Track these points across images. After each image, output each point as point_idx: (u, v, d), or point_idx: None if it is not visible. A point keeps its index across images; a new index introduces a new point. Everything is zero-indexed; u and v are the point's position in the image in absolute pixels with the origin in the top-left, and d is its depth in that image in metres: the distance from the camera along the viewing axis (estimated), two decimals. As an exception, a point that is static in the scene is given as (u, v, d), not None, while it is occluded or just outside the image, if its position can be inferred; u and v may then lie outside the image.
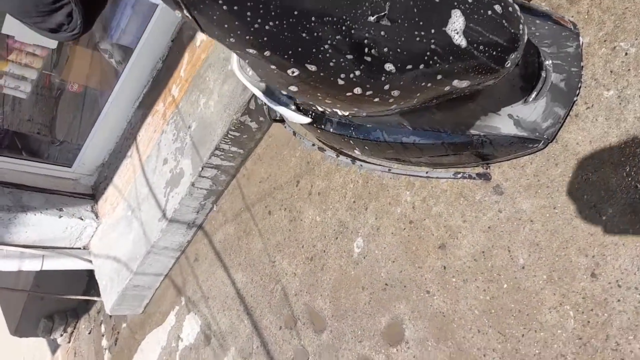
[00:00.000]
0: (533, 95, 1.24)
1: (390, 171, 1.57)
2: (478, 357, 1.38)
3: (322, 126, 1.46)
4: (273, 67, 0.81)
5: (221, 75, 2.18)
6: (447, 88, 0.93)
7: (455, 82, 0.91)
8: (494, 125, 1.26)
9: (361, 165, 1.63)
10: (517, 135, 1.27)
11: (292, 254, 1.98)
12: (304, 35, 0.76)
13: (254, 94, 2.04)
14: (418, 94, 0.93)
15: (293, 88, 0.88)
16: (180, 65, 2.45)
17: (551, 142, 1.31)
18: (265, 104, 1.81)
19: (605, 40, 1.29)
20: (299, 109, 1.53)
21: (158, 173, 2.46)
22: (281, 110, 1.47)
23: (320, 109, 1.33)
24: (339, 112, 1.25)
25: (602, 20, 1.29)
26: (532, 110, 1.25)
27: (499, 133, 1.27)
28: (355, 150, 1.50)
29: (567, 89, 1.27)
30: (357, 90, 0.86)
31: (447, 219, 1.51)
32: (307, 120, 1.47)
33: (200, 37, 2.37)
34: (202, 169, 2.18)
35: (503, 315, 1.35)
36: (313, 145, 1.81)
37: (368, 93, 0.87)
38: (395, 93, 0.88)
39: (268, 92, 1.54)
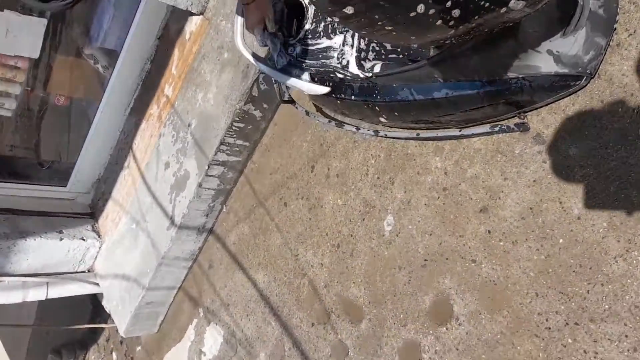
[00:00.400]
0: (572, 26, 1.13)
1: (419, 136, 1.45)
2: (540, 322, 1.26)
3: (342, 95, 1.35)
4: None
5: (217, 65, 2.06)
6: (503, 10, 0.82)
7: (512, 3, 0.80)
8: (534, 65, 1.15)
9: (385, 135, 1.51)
10: (558, 73, 1.16)
11: (316, 243, 1.86)
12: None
13: (255, 80, 1.92)
14: (476, 17, 0.82)
15: (349, 10, 0.77)
16: (171, 63, 2.33)
17: (593, 77, 1.21)
18: (276, 82, 1.69)
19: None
20: (313, 80, 1.41)
21: (160, 179, 2.32)
22: (296, 83, 1.36)
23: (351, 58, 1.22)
24: (386, 47, 1.18)
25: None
26: (572, 43, 1.14)
27: (539, 73, 1.16)
28: (381, 118, 1.39)
29: (606, 16, 1.16)
30: (421, 8, 0.75)
31: (486, 180, 1.40)
32: (325, 89, 1.35)
33: (190, 28, 2.25)
34: (209, 167, 2.05)
35: (563, 273, 1.24)
36: (330, 121, 1.68)
37: (431, 11, 0.76)
38: (456, 13, 0.77)
39: (279, 67, 1.43)
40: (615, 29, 1.19)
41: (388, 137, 1.53)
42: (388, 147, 1.65)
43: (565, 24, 1.14)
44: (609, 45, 1.18)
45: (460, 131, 1.37)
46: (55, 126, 2.79)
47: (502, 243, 1.35)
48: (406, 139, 1.51)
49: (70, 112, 2.75)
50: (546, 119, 1.29)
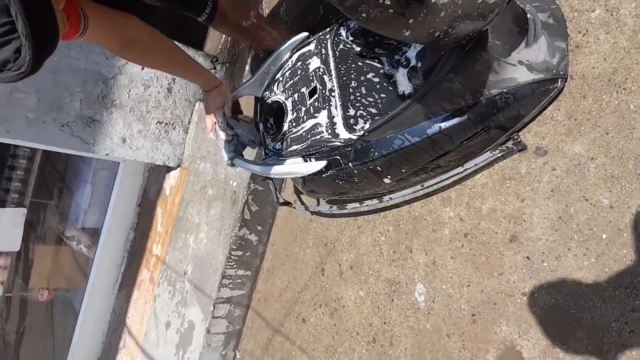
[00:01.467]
0: (532, 36, 1.23)
1: (425, 187, 1.43)
2: (621, 329, 1.13)
3: (342, 165, 1.36)
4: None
5: (204, 204, 2.06)
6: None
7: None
8: (511, 77, 1.21)
9: (390, 198, 1.49)
10: (535, 80, 1.23)
11: (349, 348, 1.68)
12: None
13: (245, 202, 1.91)
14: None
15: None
16: (155, 222, 2.31)
17: (566, 78, 1.28)
18: (271, 180, 1.69)
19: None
20: (305, 161, 1.42)
21: (163, 343, 2.13)
22: (290, 169, 1.37)
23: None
24: (371, 110, 1.27)
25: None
26: (537, 51, 1.23)
27: (518, 84, 1.22)
28: (385, 179, 1.38)
29: (557, 23, 1.27)
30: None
31: (504, 209, 1.36)
32: (322, 163, 1.36)
33: (169, 184, 2.28)
34: (214, 307, 1.91)
35: (620, 268, 1.15)
36: (331, 207, 1.66)
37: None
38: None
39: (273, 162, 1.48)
40: (569, 35, 1.29)
41: (393, 200, 1.50)
42: (394, 218, 1.61)
43: (525, 35, 1.24)
44: (569, 47, 1.28)
45: (463, 167, 1.37)
46: (37, 326, 2.60)
47: (545, 263, 1.27)
48: (413, 194, 1.48)
49: (54, 307, 2.59)
50: (539, 132, 1.32)
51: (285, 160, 1.47)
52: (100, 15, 1.21)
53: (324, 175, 1.45)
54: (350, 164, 1.38)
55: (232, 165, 1.60)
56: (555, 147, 1.29)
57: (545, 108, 1.32)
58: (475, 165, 1.37)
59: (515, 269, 1.32)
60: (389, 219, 1.63)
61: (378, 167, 1.36)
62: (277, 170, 1.45)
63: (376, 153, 1.33)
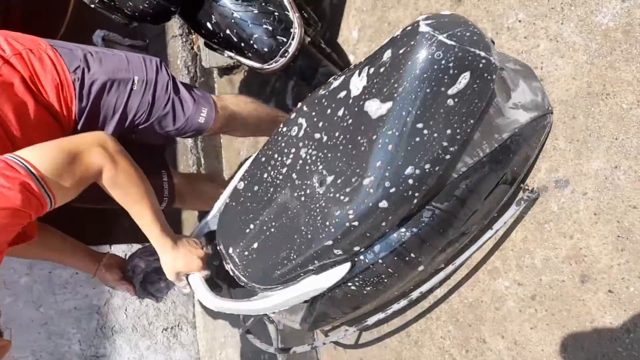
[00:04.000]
0: (512, 82, 1.23)
1: (457, 265, 1.31)
2: None
3: (368, 263, 1.19)
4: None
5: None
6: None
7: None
8: (515, 119, 1.18)
9: (421, 293, 1.34)
10: (532, 118, 1.21)
11: None
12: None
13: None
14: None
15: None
16: None
17: (552, 111, 1.28)
18: (268, 320, 1.52)
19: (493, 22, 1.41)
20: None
21: None
22: (307, 285, 1.19)
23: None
24: None
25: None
26: (523, 93, 1.23)
27: (521, 124, 1.19)
28: (419, 267, 1.25)
29: (523, 67, 1.31)
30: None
31: (558, 254, 1.26)
32: (346, 266, 1.18)
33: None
34: None
35: None
36: (346, 330, 1.47)
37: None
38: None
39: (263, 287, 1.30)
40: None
41: (424, 294, 1.36)
42: (449, 315, 1.47)
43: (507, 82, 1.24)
44: (541, 82, 1.30)
45: (493, 229, 1.29)
46: None
47: (632, 288, 1.14)
48: (444, 274, 1.34)
49: None
50: (550, 167, 1.28)
51: (285, 287, 1.25)
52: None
53: (347, 286, 1.25)
54: (378, 258, 1.21)
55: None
56: (573, 173, 1.24)
57: (543, 144, 1.29)
58: (504, 223, 1.28)
59: (604, 308, 1.18)
60: (444, 318, 1.49)
61: (411, 253, 1.21)
62: (284, 298, 1.22)
63: (407, 233, 1.20)
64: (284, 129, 1.20)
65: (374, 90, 1.02)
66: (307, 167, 1.12)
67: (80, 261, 1.46)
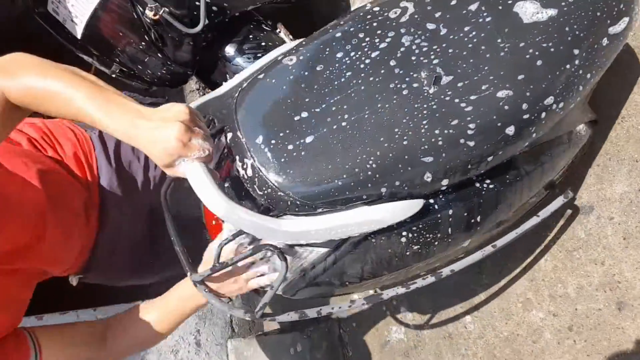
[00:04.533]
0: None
1: (497, 247, 1.10)
2: None
3: (437, 210, 0.92)
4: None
5: None
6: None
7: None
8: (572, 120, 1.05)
9: (452, 271, 1.07)
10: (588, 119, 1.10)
11: None
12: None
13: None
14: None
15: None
16: None
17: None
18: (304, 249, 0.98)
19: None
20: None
21: None
22: (359, 213, 0.84)
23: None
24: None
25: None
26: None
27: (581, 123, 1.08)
28: (470, 237, 1.01)
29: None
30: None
31: (590, 281, 1.24)
32: (418, 203, 0.87)
33: None
34: None
35: None
36: (367, 299, 1.04)
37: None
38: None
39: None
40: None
41: (455, 272, 1.07)
42: (486, 351, 1.44)
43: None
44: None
45: (538, 215, 1.14)
46: None
47: (672, 312, 1.12)
48: (481, 259, 1.09)
49: None
50: (573, 188, 1.27)
51: (331, 210, 0.86)
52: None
53: (396, 235, 0.92)
54: (450, 209, 0.92)
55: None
56: (597, 198, 1.23)
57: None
58: (527, 229, 1.13)
59: (644, 333, 1.15)
60: (481, 354, 1.46)
61: (478, 216, 0.97)
62: (328, 224, 0.84)
63: (490, 187, 0.94)
64: (376, 9, 0.94)
65: None
66: (414, 58, 0.86)
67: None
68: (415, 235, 0.92)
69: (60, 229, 1.01)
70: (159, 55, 1.33)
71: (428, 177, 0.83)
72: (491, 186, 0.94)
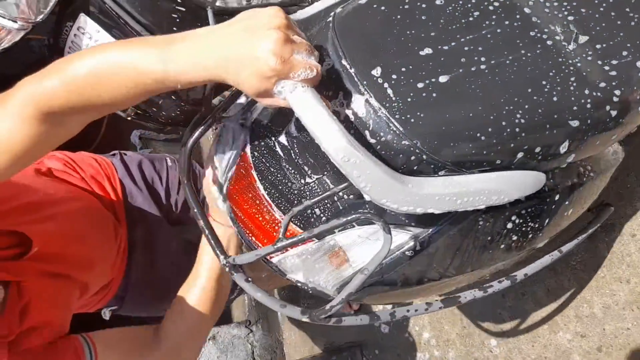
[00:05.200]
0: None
1: (562, 251, 1.00)
2: None
3: (546, 187, 0.77)
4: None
5: None
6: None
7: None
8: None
9: (525, 275, 0.94)
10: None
11: None
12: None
13: None
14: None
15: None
16: None
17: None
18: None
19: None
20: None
21: None
22: (493, 178, 0.70)
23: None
24: None
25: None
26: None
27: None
28: (553, 232, 0.88)
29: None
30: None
31: (617, 301, 1.22)
32: (542, 179, 0.74)
33: None
34: None
35: None
36: (444, 302, 0.84)
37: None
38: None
39: None
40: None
41: (528, 277, 0.94)
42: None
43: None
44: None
45: (559, 252, 1.02)
46: None
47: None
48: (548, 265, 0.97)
49: None
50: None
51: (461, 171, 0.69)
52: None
53: (503, 219, 0.77)
54: (560, 190, 0.80)
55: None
56: (618, 215, 1.22)
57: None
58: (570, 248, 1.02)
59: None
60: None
61: (574, 205, 0.86)
62: (467, 187, 0.67)
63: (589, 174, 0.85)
64: None
65: None
66: (547, 10, 0.76)
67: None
68: (521, 221, 0.78)
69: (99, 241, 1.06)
70: (172, 97, 1.36)
71: (564, 147, 0.71)
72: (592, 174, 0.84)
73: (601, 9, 0.76)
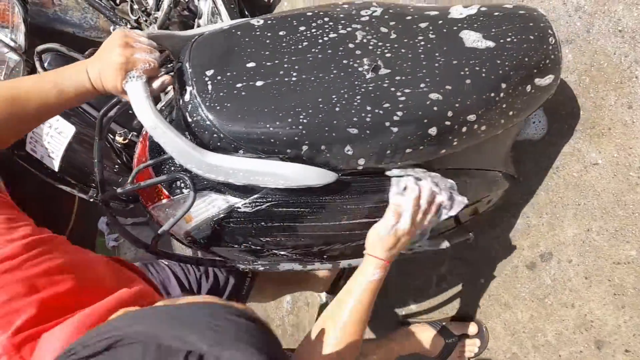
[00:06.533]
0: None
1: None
2: None
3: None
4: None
5: None
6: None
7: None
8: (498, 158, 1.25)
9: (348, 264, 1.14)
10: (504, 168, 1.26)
11: None
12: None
13: None
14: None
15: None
16: None
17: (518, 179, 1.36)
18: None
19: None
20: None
21: None
22: (272, 165, 0.91)
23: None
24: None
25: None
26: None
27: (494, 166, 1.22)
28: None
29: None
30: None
31: (567, 326, 1.28)
32: (333, 177, 0.93)
33: None
34: None
35: None
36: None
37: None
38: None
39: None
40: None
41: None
42: None
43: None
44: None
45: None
46: None
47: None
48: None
49: None
50: (530, 243, 1.35)
51: (251, 155, 0.93)
52: None
53: (290, 202, 1.00)
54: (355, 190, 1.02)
55: None
56: (552, 244, 1.31)
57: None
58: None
59: None
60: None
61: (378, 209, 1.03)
62: (245, 165, 0.90)
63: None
64: (346, 6, 1.06)
65: (479, 24, 0.99)
66: (361, 50, 0.97)
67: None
68: (308, 210, 1.00)
69: None
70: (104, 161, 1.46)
71: (349, 150, 0.89)
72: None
73: (411, 51, 0.96)
